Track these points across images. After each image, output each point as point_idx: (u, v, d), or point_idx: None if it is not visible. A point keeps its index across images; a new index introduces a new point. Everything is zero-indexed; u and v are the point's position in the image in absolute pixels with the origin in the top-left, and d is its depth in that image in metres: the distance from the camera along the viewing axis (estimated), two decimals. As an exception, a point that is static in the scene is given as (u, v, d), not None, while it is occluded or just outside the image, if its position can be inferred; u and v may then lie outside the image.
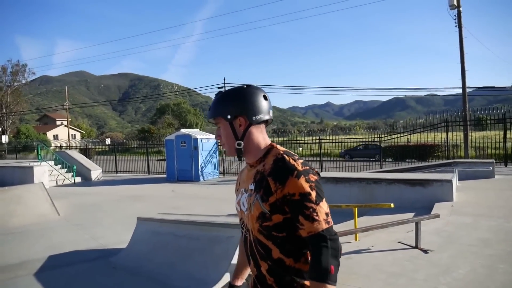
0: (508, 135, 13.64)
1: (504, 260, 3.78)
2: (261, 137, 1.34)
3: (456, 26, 17.11)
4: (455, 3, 16.78)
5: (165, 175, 15.53)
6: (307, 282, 1.23)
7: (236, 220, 3.33)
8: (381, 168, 13.28)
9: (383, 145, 17.17)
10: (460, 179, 8.32)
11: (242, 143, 1.33)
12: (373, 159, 18.65)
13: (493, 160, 9.80)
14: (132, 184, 13.96)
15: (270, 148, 1.33)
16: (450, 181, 6.66)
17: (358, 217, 5.22)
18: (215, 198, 10.24)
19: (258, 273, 1.31)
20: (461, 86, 17.07)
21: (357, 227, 4.85)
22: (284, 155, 1.26)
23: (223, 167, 16.51)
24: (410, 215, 6.22)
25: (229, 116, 1.32)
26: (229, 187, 11.85)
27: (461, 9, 16.88)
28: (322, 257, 1.14)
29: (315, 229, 1.17)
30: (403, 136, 15.66)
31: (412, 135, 16.37)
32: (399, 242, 4.54)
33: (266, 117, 1.35)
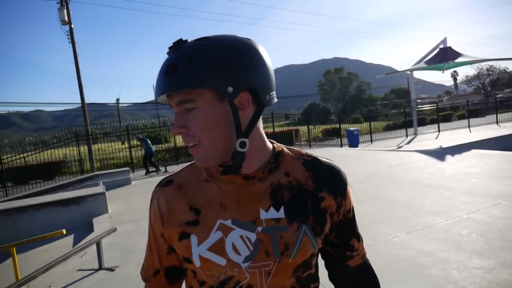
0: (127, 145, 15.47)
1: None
2: (262, 130, 0.76)
3: (69, 43, 17.36)
4: (66, 19, 16.95)
5: None
6: None
7: None
8: (6, 195, 11.15)
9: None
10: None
11: (247, 142, 0.67)
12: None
13: (129, 169, 10.78)
14: None
15: (278, 147, 0.78)
16: (103, 194, 6.69)
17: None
18: None
19: None
20: (77, 102, 17.56)
21: (18, 270, 3.83)
22: (316, 156, 0.79)
23: None
24: (70, 238, 5.74)
25: (230, 89, 0.64)
26: None
27: (72, 26, 17.27)
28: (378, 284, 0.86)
29: (365, 250, 0.84)
30: (31, 155, 13.94)
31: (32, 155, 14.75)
32: (79, 270, 4.04)
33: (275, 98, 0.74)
